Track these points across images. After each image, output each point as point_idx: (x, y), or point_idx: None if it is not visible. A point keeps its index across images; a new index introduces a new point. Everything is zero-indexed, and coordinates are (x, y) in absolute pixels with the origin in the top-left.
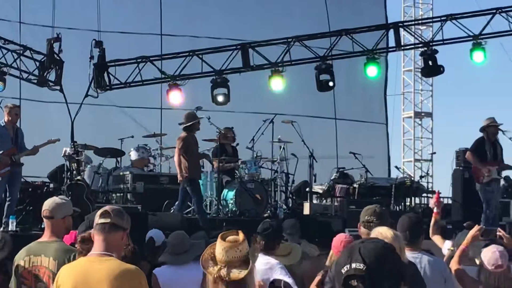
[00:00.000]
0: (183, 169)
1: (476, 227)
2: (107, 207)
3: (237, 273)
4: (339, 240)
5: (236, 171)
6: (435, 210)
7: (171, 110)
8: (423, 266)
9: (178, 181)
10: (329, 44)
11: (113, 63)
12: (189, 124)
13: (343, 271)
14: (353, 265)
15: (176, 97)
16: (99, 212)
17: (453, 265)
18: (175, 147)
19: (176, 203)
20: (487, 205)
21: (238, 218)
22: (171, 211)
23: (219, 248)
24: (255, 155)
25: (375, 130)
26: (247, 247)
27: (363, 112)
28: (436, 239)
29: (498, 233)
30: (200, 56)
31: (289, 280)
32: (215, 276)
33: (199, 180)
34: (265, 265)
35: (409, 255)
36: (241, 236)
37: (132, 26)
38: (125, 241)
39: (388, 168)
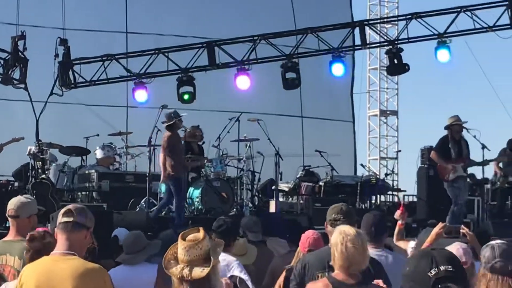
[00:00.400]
0: (168, 168)
1: (439, 225)
2: (70, 206)
3: (200, 272)
4: (306, 237)
5: (202, 169)
6: (399, 221)
7: (136, 108)
8: (388, 262)
9: (161, 181)
10: (295, 42)
11: (78, 61)
12: (170, 123)
13: (430, 274)
14: (442, 268)
15: (141, 95)
16: (62, 211)
17: None
18: (140, 146)
19: (147, 200)
20: (455, 202)
21: (204, 216)
22: (137, 209)
23: (180, 248)
24: (221, 153)
25: (342, 128)
26: (208, 244)
27: (329, 110)
28: (400, 244)
29: (461, 230)
30: (166, 54)
31: (244, 276)
32: (178, 276)
33: None
34: (221, 262)
35: (373, 252)
36: (201, 233)
37: (97, 24)
38: (88, 240)
39: (354, 166)
